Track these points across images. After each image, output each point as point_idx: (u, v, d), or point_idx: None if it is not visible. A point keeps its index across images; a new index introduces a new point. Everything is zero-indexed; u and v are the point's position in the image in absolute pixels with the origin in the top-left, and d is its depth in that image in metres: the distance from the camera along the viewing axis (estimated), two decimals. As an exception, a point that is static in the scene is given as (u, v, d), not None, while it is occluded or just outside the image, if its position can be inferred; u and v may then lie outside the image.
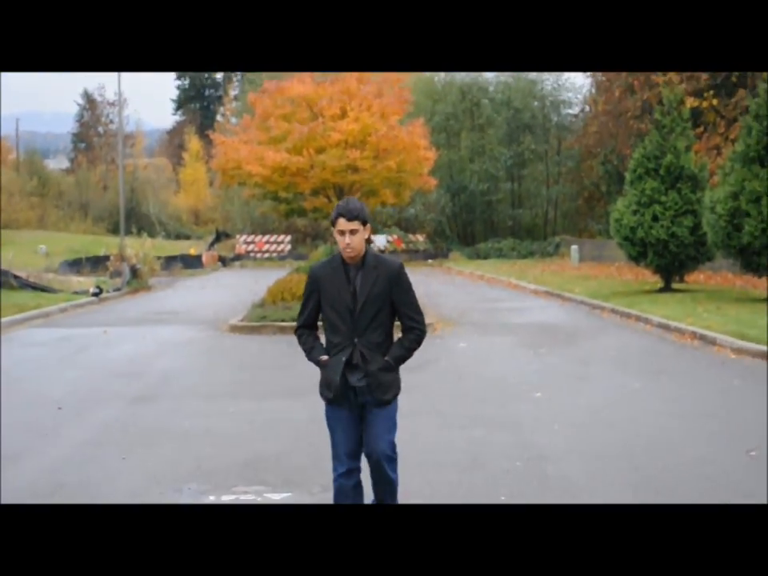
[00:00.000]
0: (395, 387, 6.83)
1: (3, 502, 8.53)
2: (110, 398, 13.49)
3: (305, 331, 7.01)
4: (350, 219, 6.56)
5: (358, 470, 6.89)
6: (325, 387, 6.82)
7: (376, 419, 6.78)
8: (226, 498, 8.54)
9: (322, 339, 7.00)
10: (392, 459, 6.88)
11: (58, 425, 11.83)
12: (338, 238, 6.65)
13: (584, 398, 13.18)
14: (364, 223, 6.66)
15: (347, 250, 6.62)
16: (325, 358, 6.81)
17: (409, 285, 6.88)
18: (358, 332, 6.69)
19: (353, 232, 6.58)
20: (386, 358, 6.75)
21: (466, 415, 11.83)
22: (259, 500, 8.48)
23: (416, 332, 6.87)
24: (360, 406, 6.79)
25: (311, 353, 6.92)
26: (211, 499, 8.51)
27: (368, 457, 6.85)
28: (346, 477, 6.79)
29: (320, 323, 7.06)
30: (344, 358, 6.69)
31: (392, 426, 6.90)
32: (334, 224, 6.67)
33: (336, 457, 6.86)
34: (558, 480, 9.07)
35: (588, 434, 11.03)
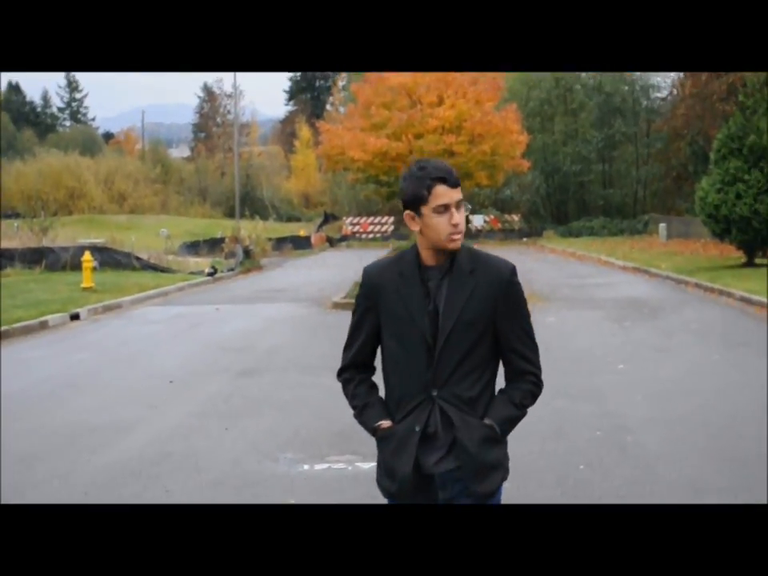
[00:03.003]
0: (502, 469, 4.00)
1: (118, 468, 8.63)
2: (218, 372, 13.56)
3: (353, 375, 4.20)
4: (454, 185, 3.85)
5: None
6: (385, 475, 4.00)
7: None
8: (319, 467, 8.51)
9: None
10: None
11: (169, 397, 11.93)
12: (432, 221, 3.84)
13: (665, 370, 12.92)
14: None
15: (454, 236, 3.83)
16: (386, 424, 3.99)
17: (523, 302, 4.01)
18: (440, 379, 3.86)
19: (460, 206, 3.88)
20: (487, 422, 3.90)
21: (551, 386, 11.52)
22: (350, 468, 8.43)
23: (530, 379, 4.01)
24: (444, 502, 3.92)
25: (363, 413, 4.10)
26: (305, 468, 8.48)
27: None
28: None
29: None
30: (417, 428, 3.86)
31: None
32: (422, 200, 3.85)
33: None
34: (636, 448, 8.89)
35: (668, 404, 10.79)
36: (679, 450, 8.81)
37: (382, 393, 4.12)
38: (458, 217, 3.83)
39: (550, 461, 8.54)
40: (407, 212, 3.95)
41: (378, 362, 4.17)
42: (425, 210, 3.85)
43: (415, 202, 3.88)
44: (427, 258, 3.94)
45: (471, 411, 3.89)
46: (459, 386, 3.87)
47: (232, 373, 13.46)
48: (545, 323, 17.19)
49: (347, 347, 4.21)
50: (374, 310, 4.06)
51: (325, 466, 8.55)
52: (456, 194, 3.84)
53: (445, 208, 3.82)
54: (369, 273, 4.13)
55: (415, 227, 3.94)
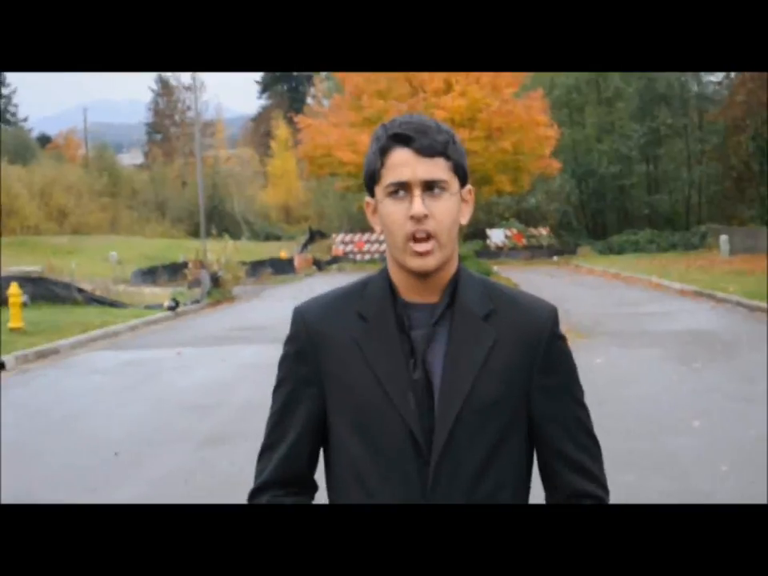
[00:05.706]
0: None
1: None
2: (177, 439, 12.95)
3: (276, 494, 2.81)
4: (424, 151, 2.56)
5: None
6: None
7: None
8: None
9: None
10: None
11: (113, 475, 11.25)
12: (383, 210, 2.63)
13: (754, 427, 12.18)
14: (458, 172, 2.63)
15: (415, 244, 2.56)
16: None
17: (574, 370, 2.82)
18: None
19: (433, 189, 2.58)
20: None
21: (612, 453, 10.79)
22: None
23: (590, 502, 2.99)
24: None
25: None
26: None
27: None
28: None
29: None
30: None
31: None
32: (375, 174, 2.64)
33: None
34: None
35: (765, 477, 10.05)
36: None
37: None
38: (418, 207, 2.54)
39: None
40: (366, 200, 2.77)
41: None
42: (378, 191, 2.66)
43: (370, 181, 2.69)
44: (405, 287, 2.68)
45: None
46: None
47: (196, 441, 12.81)
48: (591, 366, 16.53)
49: (266, 451, 2.86)
50: (314, 383, 2.75)
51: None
52: (425, 168, 2.55)
53: (399, 188, 2.57)
54: (303, 316, 2.81)
55: (377, 226, 2.73)
